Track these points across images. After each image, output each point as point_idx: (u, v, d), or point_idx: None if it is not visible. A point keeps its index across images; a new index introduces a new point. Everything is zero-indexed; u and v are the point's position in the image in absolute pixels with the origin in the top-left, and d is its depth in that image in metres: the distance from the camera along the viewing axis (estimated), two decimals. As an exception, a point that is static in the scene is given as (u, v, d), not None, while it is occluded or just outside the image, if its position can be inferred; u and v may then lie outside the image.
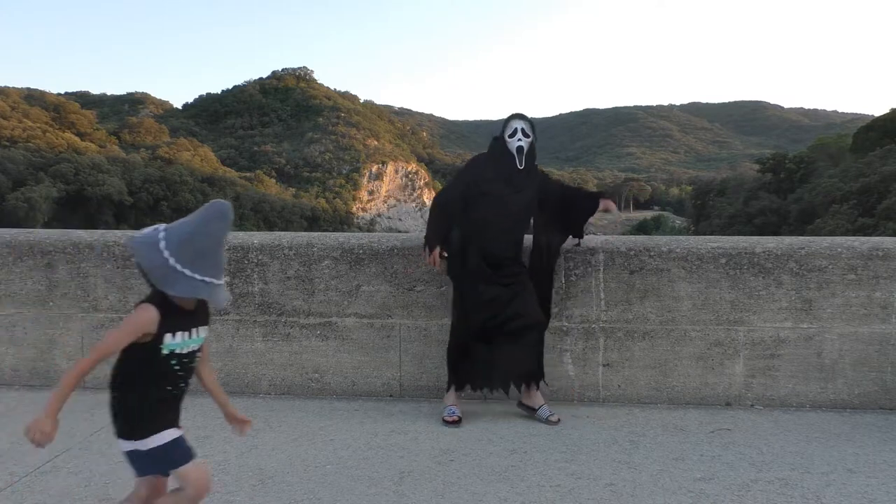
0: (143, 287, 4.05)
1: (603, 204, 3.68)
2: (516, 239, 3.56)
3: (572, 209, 3.68)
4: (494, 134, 3.68)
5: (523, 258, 3.63)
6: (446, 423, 3.48)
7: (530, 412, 3.58)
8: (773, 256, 3.75)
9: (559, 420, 3.51)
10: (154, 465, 2.09)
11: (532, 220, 3.65)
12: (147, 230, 2.00)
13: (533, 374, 3.58)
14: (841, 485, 2.81)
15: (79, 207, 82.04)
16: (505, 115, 3.69)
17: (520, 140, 3.47)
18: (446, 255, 3.53)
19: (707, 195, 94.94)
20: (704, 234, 59.92)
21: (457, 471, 2.94)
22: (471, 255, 3.48)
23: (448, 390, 3.62)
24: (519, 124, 3.50)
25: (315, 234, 4.16)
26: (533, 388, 3.60)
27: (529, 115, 3.62)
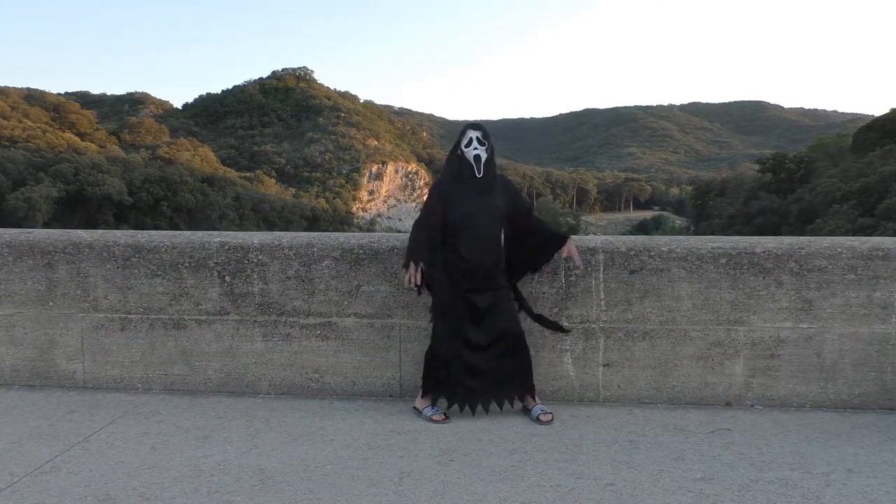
0: (144, 287, 4.07)
1: (566, 248, 3.59)
2: (494, 241, 3.54)
3: (536, 246, 3.63)
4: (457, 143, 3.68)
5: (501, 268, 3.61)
6: (435, 422, 3.51)
7: (527, 412, 3.61)
8: (773, 256, 3.75)
9: (551, 419, 3.52)
10: None
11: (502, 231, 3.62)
12: None
13: (525, 389, 3.60)
14: (841, 485, 2.81)
15: (79, 207, 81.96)
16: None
17: (476, 149, 3.53)
18: (422, 272, 3.49)
19: (707, 195, 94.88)
20: (704, 234, 59.92)
21: (457, 471, 2.94)
22: (451, 267, 3.48)
23: (423, 396, 3.63)
24: (473, 134, 3.55)
25: (315, 234, 4.16)
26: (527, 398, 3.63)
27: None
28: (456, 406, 3.58)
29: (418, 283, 3.48)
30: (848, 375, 3.76)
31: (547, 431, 3.41)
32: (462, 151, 3.56)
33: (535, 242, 3.63)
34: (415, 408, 3.65)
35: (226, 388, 4.03)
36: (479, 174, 3.52)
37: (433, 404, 3.62)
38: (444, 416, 3.54)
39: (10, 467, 2.95)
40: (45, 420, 3.53)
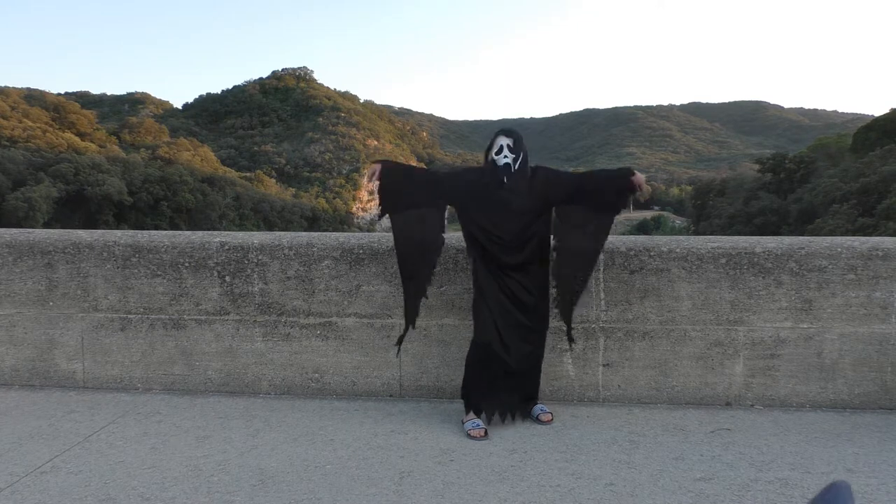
0: (144, 287, 4.07)
1: (637, 181, 3.41)
2: (523, 239, 3.39)
3: (602, 192, 3.47)
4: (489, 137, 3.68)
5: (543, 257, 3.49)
6: (473, 438, 3.31)
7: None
8: (773, 256, 3.75)
9: (551, 419, 3.51)
10: None
11: (555, 224, 3.51)
12: None
13: (532, 398, 3.57)
14: (841, 485, 2.81)
15: (79, 207, 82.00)
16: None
17: (506, 157, 3.41)
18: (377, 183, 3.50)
19: (707, 195, 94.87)
20: (704, 234, 59.92)
21: (457, 471, 2.94)
22: (484, 259, 3.41)
23: (468, 412, 3.47)
24: (504, 141, 3.45)
25: (315, 234, 4.15)
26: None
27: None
28: (500, 416, 3.47)
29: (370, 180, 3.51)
30: (848, 375, 3.76)
31: (547, 431, 3.41)
32: (493, 158, 3.44)
33: (603, 194, 3.47)
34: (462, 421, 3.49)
35: (226, 388, 4.03)
36: (505, 181, 3.38)
37: (477, 415, 3.43)
38: (483, 431, 3.33)
39: (10, 467, 2.94)
40: (45, 420, 3.53)
